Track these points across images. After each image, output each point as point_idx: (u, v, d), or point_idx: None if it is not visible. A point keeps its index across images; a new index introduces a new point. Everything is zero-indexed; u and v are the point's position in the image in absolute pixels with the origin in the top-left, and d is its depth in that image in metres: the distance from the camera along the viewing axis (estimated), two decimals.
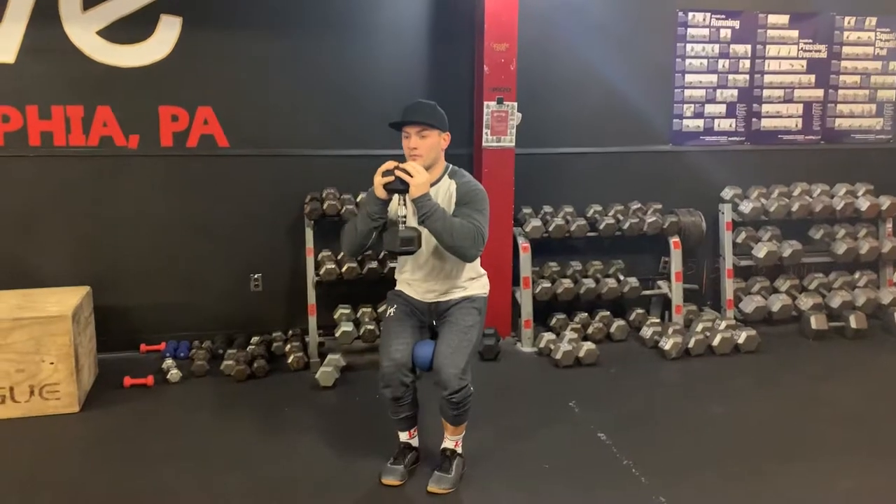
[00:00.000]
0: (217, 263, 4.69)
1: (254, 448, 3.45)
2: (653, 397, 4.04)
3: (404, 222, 2.89)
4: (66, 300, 3.90)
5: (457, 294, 3.08)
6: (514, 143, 4.70)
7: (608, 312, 5.04)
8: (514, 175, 4.74)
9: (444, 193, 2.97)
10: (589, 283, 4.92)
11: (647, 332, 4.84)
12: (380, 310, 4.63)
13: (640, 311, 5.14)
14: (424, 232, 2.89)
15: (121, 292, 4.55)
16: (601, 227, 4.91)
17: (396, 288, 3.19)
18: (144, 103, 4.42)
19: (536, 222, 4.81)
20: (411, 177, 2.79)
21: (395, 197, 2.91)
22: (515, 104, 4.65)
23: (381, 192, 2.85)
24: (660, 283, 5.16)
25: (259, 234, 4.71)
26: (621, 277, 5.04)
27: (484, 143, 4.66)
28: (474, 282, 3.12)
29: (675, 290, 5.01)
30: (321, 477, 3.19)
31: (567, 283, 4.87)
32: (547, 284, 4.85)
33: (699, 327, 4.81)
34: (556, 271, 5.02)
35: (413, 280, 3.12)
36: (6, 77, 4.22)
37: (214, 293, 4.72)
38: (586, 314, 5.03)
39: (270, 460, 3.34)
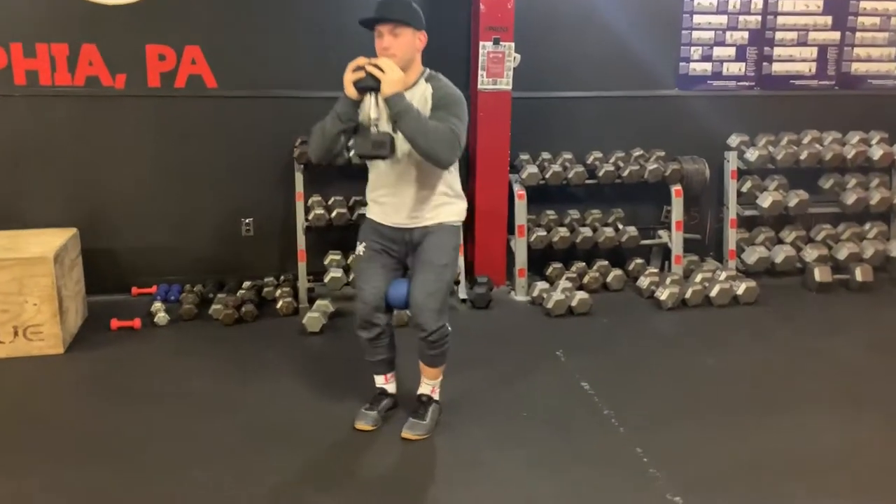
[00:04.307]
0: (208, 207, 4.64)
1: (234, 392, 3.43)
2: (642, 348, 3.96)
3: (377, 125, 2.72)
4: (50, 242, 3.87)
5: (429, 220, 2.88)
6: (510, 86, 4.55)
7: (606, 262, 4.93)
8: (510, 119, 4.60)
9: (420, 97, 2.77)
10: (586, 231, 4.81)
11: (644, 282, 4.73)
12: None
13: (639, 261, 5.02)
14: (398, 139, 2.73)
15: (110, 235, 4.52)
16: (600, 174, 4.77)
17: (367, 215, 3.01)
18: (131, 42, 4.32)
19: (533, 169, 4.68)
20: (383, 73, 2.61)
21: (369, 101, 2.73)
22: (513, 45, 4.48)
23: (350, 91, 2.68)
24: (661, 232, 5.04)
25: (250, 177, 4.63)
26: (620, 227, 4.92)
27: (479, 86, 4.51)
28: (449, 206, 2.91)
29: (675, 239, 4.89)
30: (296, 422, 3.17)
31: (563, 231, 4.76)
32: (542, 233, 4.75)
33: (698, 278, 4.70)
34: (552, 220, 4.90)
35: (383, 198, 2.91)
36: None
37: (206, 237, 4.67)
38: (584, 264, 4.93)
39: (248, 404, 3.32)
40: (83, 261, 4.31)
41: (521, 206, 4.67)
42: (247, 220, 4.69)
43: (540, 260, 4.89)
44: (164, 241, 4.63)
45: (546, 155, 4.88)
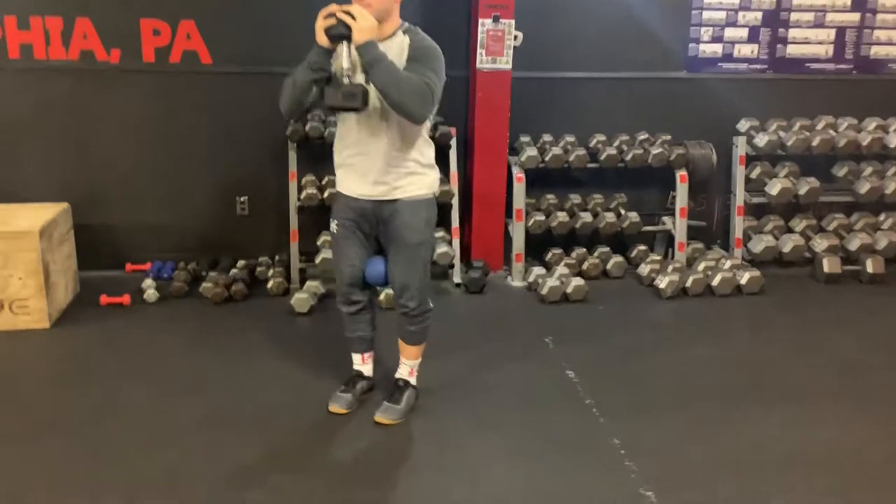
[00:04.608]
0: (202, 184, 4.60)
1: (212, 371, 3.40)
2: (635, 337, 3.85)
3: (349, 76, 2.60)
4: (38, 216, 3.85)
5: (398, 192, 2.74)
6: (510, 65, 4.43)
7: (607, 248, 4.81)
8: (510, 100, 4.49)
9: (396, 50, 2.64)
10: (586, 217, 4.69)
11: (644, 269, 4.61)
12: None
13: (642, 248, 4.89)
14: (372, 93, 2.60)
15: (105, 211, 4.50)
16: (602, 157, 4.64)
17: (337, 189, 2.89)
18: (125, 15, 4.27)
19: (532, 151, 4.56)
20: (354, 20, 2.50)
21: (342, 51, 2.60)
22: (513, 22, 4.36)
23: (321, 38, 2.56)
24: (665, 219, 4.90)
25: (245, 155, 4.58)
26: (622, 212, 4.79)
27: (478, 65, 4.40)
28: (419, 177, 2.76)
29: (678, 226, 4.75)
30: (270, 403, 3.12)
31: (562, 216, 4.65)
32: (541, 217, 4.63)
33: (701, 266, 4.56)
34: (553, 204, 4.78)
35: (351, 159, 2.76)
36: None
37: (201, 215, 4.63)
38: (584, 250, 4.81)
39: (225, 384, 3.28)
40: (77, 236, 4.30)
41: (519, 189, 4.56)
42: (241, 199, 4.65)
43: (541, 245, 4.79)
44: (159, 218, 4.60)
45: (547, 137, 4.75)
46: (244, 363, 3.47)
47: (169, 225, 4.63)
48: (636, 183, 4.92)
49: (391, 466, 2.72)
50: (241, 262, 4.50)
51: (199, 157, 4.56)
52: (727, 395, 3.24)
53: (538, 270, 4.50)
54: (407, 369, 3.04)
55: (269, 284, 4.29)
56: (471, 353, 3.58)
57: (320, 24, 2.57)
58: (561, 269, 4.49)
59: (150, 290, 4.15)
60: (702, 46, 4.83)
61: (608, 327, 3.97)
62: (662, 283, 4.38)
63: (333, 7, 2.56)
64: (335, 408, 3.01)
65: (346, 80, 2.61)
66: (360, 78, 2.63)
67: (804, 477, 2.65)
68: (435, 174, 2.85)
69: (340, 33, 2.54)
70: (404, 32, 2.70)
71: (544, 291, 4.27)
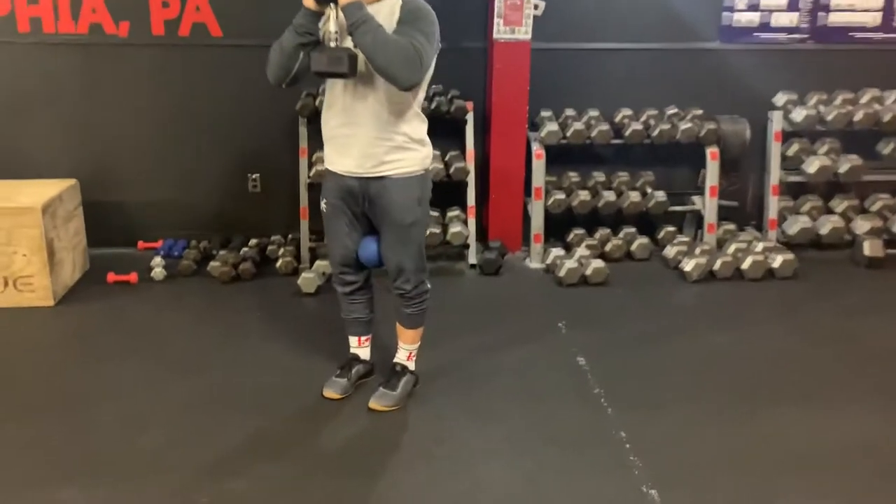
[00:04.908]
0: (214, 161, 4.51)
1: (211, 352, 3.31)
2: (654, 323, 3.64)
3: (337, 40, 2.45)
4: (43, 192, 3.80)
5: (385, 168, 2.57)
6: (529, 35, 4.22)
7: (633, 229, 4.60)
8: (529, 72, 4.28)
9: (387, 12, 2.46)
10: (609, 196, 4.47)
11: (670, 251, 4.38)
12: None
13: (670, 228, 4.66)
14: (361, 58, 2.44)
15: (116, 187, 4.45)
16: (627, 133, 4.41)
17: (324, 164, 2.73)
18: None
19: (553, 126, 4.35)
20: None
21: (330, 13, 2.45)
22: None
23: (307, 0, 2.44)
24: (695, 198, 4.64)
25: (256, 130, 4.47)
26: (649, 191, 4.55)
27: (495, 35, 4.20)
28: (409, 152, 2.59)
29: (708, 206, 4.50)
30: (265, 386, 3.02)
31: (584, 195, 4.43)
32: (561, 196, 4.43)
33: (731, 249, 4.32)
34: (575, 182, 4.57)
35: (338, 129, 2.59)
36: None
37: (213, 192, 4.55)
38: (609, 230, 4.60)
39: (224, 366, 3.19)
40: (88, 213, 4.25)
41: (538, 166, 4.36)
42: (253, 176, 4.55)
43: (564, 226, 4.59)
44: (170, 196, 4.53)
45: (570, 112, 4.53)
46: (244, 344, 3.38)
47: (181, 202, 4.56)
48: (665, 160, 4.68)
49: (381, 457, 2.58)
50: (253, 241, 4.42)
51: (210, 133, 4.47)
52: (743, 387, 3.02)
53: (557, 252, 4.31)
54: (405, 354, 2.91)
55: (278, 264, 4.19)
56: (478, 338, 3.43)
57: None
58: (581, 251, 4.29)
59: (157, 269, 4.09)
60: (736, 15, 4.53)
61: (626, 312, 3.77)
62: (688, 265, 4.15)
63: None
64: (329, 393, 2.89)
65: (332, 45, 2.45)
66: (348, 42, 2.46)
67: (814, 477, 2.44)
68: (427, 150, 2.68)
69: None
70: None
71: (562, 274, 4.09)
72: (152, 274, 4.08)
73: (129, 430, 2.70)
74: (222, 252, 4.25)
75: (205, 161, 4.49)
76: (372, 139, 2.56)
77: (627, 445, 2.61)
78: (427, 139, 2.69)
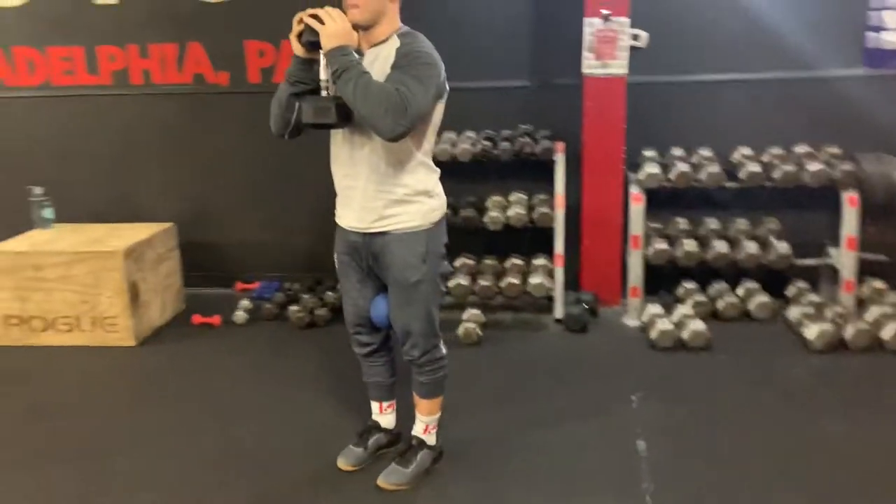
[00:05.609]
0: (309, 204, 4.47)
1: (252, 402, 3.26)
2: (749, 400, 3.08)
3: (328, 88, 2.28)
4: (132, 236, 3.97)
5: (387, 224, 2.37)
6: (625, 70, 3.82)
7: (755, 284, 3.99)
8: (625, 109, 3.88)
9: (384, 56, 2.28)
10: (720, 245, 3.90)
11: (794, 312, 3.75)
12: (457, 263, 4.12)
13: (802, 285, 4.00)
14: None
15: (216, 229, 4.58)
16: (743, 175, 3.84)
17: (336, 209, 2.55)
18: (231, 38, 4.31)
19: (653, 168, 3.90)
20: (322, 24, 2.18)
21: (322, 64, 2.28)
22: (628, 21, 3.76)
23: (296, 47, 2.27)
24: (831, 250, 3.95)
25: None
26: (772, 241, 3.93)
27: (585, 70, 3.85)
28: (413, 205, 2.37)
29: (844, 259, 3.79)
30: (285, 446, 2.88)
31: (690, 244, 3.91)
32: (662, 246, 3.94)
33: (873, 313, 3.60)
34: (684, 230, 4.06)
35: (343, 181, 2.43)
36: (111, 18, 4.35)
37: (308, 234, 4.53)
38: (726, 285, 4.03)
39: (258, 418, 3.10)
40: (189, 254, 4.41)
41: (636, 211, 3.91)
42: None
43: (675, 278, 4.09)
44: (266, 237, 4.60)
45: (678, 151, 4.05)
46: (287, 396, 3.28)
47: (276, 244, 4.61)
48: (796, 205, 4.04)
49: None
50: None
51: (305, 175, 4.46)
52: (850, 494, 2.42)
53: (654, 309, 3.82)
54: (422, 426, 2.63)
55: None
56: (531, 407, 3.08)
57: (294, 29, 2.27)
58: (684, 309, 3.78)
59: (238, 312, 4.12)
60: (885, 35, 3.82)
61: (720, 386, 3.22)
62: (811, 331, 3.51)
63: (308, 11, 2.24)
64: (342, 463, 2.68)
65: (325, 93, 2.29)
66: None
67: None
68: (435, 202, 2.42)
69: (309, 40, 2.23)
70: (399, 37, 2.32)
71: (653, 335, 3.61)
72: (234, 317, 4.12)
73: (136, 485, 2.65)
74: (305, 296, 4.22)
75: (301, 205, 4.47)
76: (371, 192, 2.36)
77: None
78: (436, 190, 2.44)
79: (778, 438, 2.78)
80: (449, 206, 4.00)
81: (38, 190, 4.21)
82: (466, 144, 3.97)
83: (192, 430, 3.02)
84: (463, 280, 3.91)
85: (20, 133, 4.56)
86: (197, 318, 4.13)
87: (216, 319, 4.11)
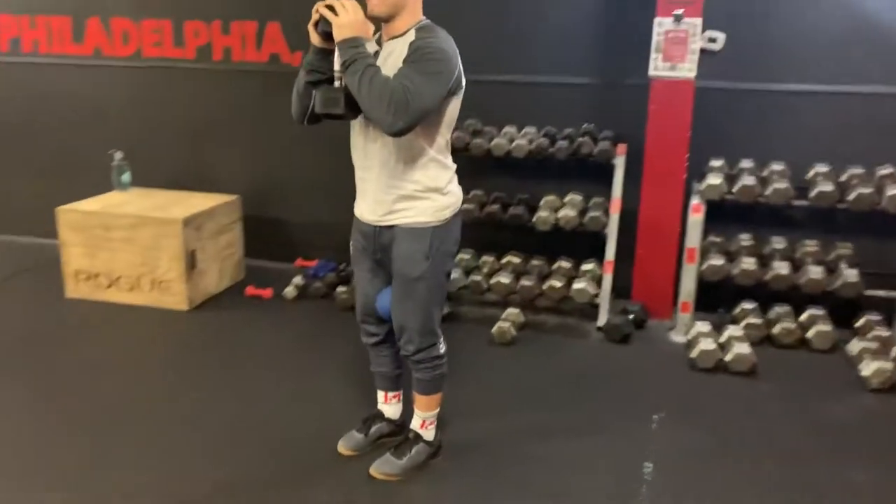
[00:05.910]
0: None
1: (281, 382, 3.32)
2: (778, 436, 2.88)
3: (340, 79, 2.26)
4: (195, 206, 4.14)
5: (396, 217, 2.38)
6: (694, 73, 3.64)
7: (822, 311, 3.73)
8: (691, 114, 3.69)
9: (400, 50, 2.26)
10: (781, 267, 3.66)
11: (855, 347, 3.48)
12: (503, 260, 4.07)
13: (874, 317, 3.70)
14: None
15: (281, 205, 4.72)
16: (813, 194, 3.59)
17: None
18: (307, 20, 4.38)
19: (716, 179, 3.70)
20: (336, 15, 2.18)
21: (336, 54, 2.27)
22: (700, 21, 3.57)
23: (312, 36, 2.29)
24: None
25: None
26: (842, 268, 3.65)
27: (651, 72, 3.69)
28: (424, 201, 2.36)
29: None
30: (298, 427, 2.93)
31: (748, 263, 3.69)
32: (719, 262, 3.74)
33: None
34: (746, 247, 3.84)
35: (359, 172, 2.46)
36: None
37: None
38: (789, 308, 3.79)
39: (278, 397, 3.18)
40: (254, 228, 4.57)
41: (694, 222, 3.72)
42: None
43: (737, 296, 3.88)
44: (329, 218, 4.65)
45: (747, 163, 3.82)
46: (309, 378, 3.34)
47: (338, 224, 4.65)
48: (874, 231, 3.75)
49: None
50: None
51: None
52: None
53: (701, 326, 3.64)
54: (419, 421, 2.63)
55: None
56: (545, 414, 3.01)
57: (312, 18, 2.29)
58: (734, 330, 3.58)
59: (289, 288, 4.23)
60: None
61: (751, 415, 3.04)
62: (868, 368, 3.25)
63: (326, 0, 2.25)
64: (342, 448, 2.72)
65: (337, 84, 2.29)
66: None
67: None
68: (447, 199, 2.40)
69: (324, 30, 2.24)
70: (417, 30, 2.29)
71: (694, 354, 3.44)
72: (284, 292, 4.23)
73: (139, 455, 2.73)
74: None
75: None
76: (382, 185, 2.38)
77: None
78: (449, 187, 2.41)
79: (790, 480, 2.60)
80: (499, 202, 4.03)
81: (118, 154, 4.47)
82: (523, 140, 3.89)
83: (208, 407, 3.09)
84: (505, 279, 3.85)
85: (109, 100, 4.84)
86: (250, 290, 4.27)
87: (268, 292, 4.24)
